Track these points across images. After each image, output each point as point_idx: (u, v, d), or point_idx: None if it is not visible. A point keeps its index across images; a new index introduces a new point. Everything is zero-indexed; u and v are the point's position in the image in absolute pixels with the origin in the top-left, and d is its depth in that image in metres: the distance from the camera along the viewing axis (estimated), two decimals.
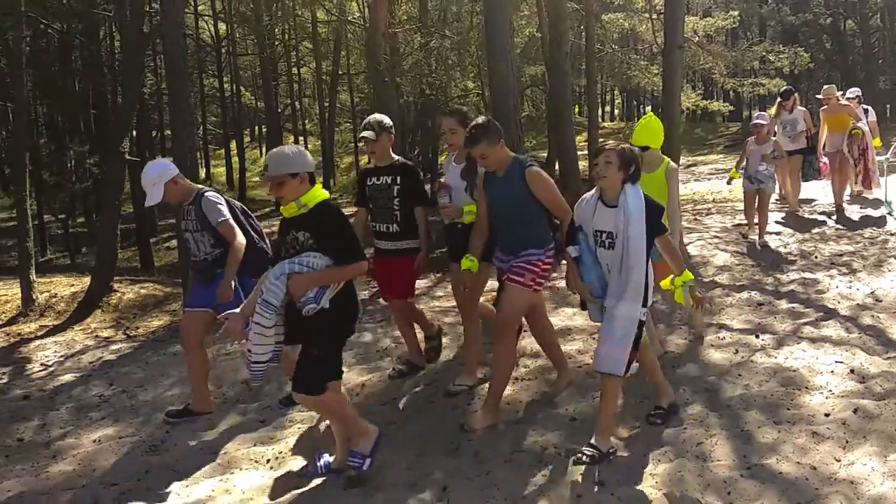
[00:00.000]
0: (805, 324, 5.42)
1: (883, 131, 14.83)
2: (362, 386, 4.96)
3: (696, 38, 14.34)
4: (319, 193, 3.40)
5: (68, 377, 5.58)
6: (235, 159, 29.99)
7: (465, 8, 13.56)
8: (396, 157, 4.75)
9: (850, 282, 6.35)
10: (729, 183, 9.33)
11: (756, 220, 7.79)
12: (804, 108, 9.34)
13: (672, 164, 4.76)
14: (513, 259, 4.06)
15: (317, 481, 3.66)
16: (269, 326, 3.33)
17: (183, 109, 6.75)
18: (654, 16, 13.78)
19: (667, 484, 3.37)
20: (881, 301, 5.74)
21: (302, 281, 3.28)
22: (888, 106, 25.82)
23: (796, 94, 9.42)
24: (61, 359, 6.09)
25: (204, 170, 34.59)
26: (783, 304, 5.92)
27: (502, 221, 4.09)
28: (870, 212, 8.88)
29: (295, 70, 31.06)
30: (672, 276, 3.75)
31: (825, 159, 9.11)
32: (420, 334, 5.16)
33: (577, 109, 29.55)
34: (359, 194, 4.91)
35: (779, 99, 9.36)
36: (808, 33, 24.75)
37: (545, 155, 17.22)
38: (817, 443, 3.64)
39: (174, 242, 15.11)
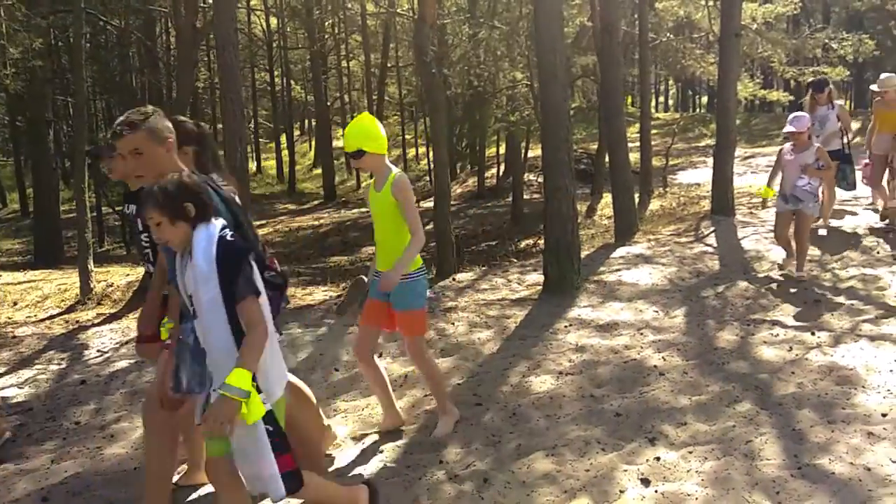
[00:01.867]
0: (864, 321, 5.21)
1: None
2: (405, 377, 4.98)
3: (755, 26, 13.87)
4: None
5: (123, 363, 5.76)
6: (285, 152, 30.48)
7: None
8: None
9: None
10: (763, 206, 8.06)
11: (794, 248, 6.39)
12: (840, 103, 8.16)
13: (401, 175, 3.77)
14: None
15: (355, 474, 3.69)
16: None
17: (234, 103, 6.88)
18: (711, 2, 13.39)
19: (713, 482, 3.28)
20: None
21: None
22: None
23: (832, 86, 8.21)
24: (116, 345, 6.30)
25: (255, 163, 35.28)
26: (841, 301, 5.71)
27: None
28: None
29: (344, 63, 31.36)
30: None
31: (867, 160, 8.02)
32: None
33: (629, 100, 29.02)
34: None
35: (810, 91, 8.13)
36: (875, 19, 23.72)
37: (595, 146, 16.97)
38: (872, 443, 3.50)
39: None
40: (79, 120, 9.18)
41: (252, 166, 35.23)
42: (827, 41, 15.20)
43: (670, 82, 42.21)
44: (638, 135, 14.40)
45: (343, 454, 3.89)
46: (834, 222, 8.10)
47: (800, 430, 3.69)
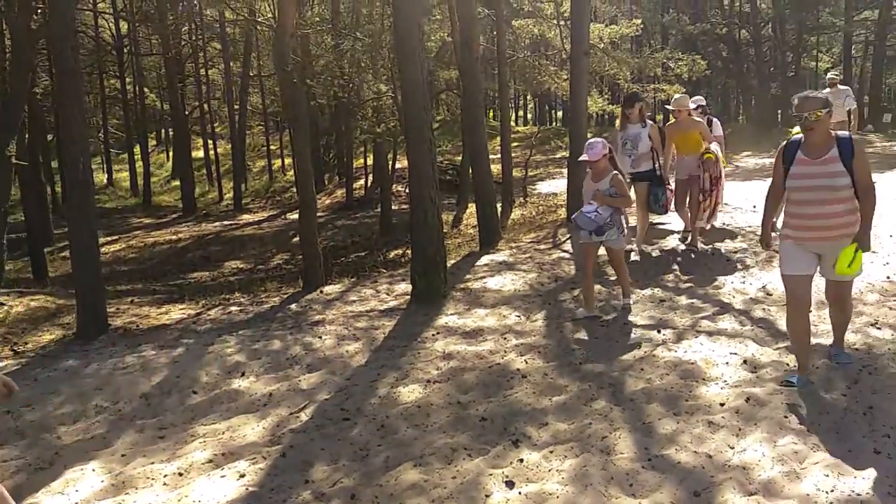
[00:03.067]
0: (702, 318, 5.66)
1: (774, 136, 15.49)
2: (269, 396, 4.81)
3: (602, 45, 14.82)
4: None
5: None
6: (140, 163, 28.69)
7: (376, 10, 13.49)
8: None
9: (744, 277, 6.68)
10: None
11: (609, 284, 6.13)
12: (652, 122, 7.68)
13: None
14: None
15: (219, 495, 3.51)
16: None
17: (74, 112, 6.35)
18: (562, 23, 14.13)
19: (572, 479, 3.42)
20: (771, 295, 6.06)
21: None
22: (779, 111, 27.50)
23: (643, 102, 7.87)
24: None
25: (106, 175, 32.91)
26: (683, 300, 6.17)
27: None
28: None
29: (203, 71, 30.03)
30: None
31: (673, 187, 7.68)
32: None
33: (490, 114, 29.94)
34: None
35: (621, 107, 7.76)
36: (706, 42, 26.07)
37: (460, 158, 17.35)
38: (713, 432, 3.79)
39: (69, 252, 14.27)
40: None
41: (103, 178, 32.85)
42: (665, 60, 16.53)
43: (528, 97, 44.06)
44: (499, 147, 14.92)
45: (202, 483, 3.68)
46: (678, 226, 8.72)
47: (650, 424, 3.93)
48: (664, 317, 5.79)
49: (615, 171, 5.76)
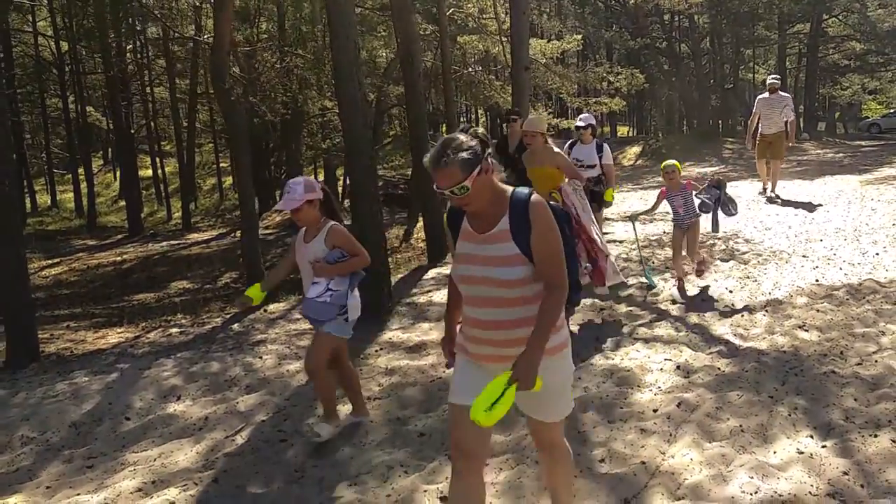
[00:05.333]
0: (639, 325, 5.76)
1: (710, 146, 15.68)
2: (206, 419, 4.71)
3: (544, 60, 15.09)
4: None
5: None
6: (85, 184, 27.94)
7: (318, 27, 13.49)
8: None
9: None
10: None
11: None
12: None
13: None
14: None
15: None
16: None
17: None
18: (505, 39, 14.34)
19: (505, 492, 3.43)
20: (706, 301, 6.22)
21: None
22: (720, 121, 28.40)
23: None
24: None
25: (49, 196, 31.95)
26: (622, 308, 6.28)
27: None
28: None
29: (149, 89, 29.50)
30: None
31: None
32: None
33: (443, 128, 30.13)
34: None
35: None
36: (648, 55, 26.81)
37: (410, 172, 17.35)
38: (645, 438, 3.85)
39: None
40: None
41: (46, 200, 31.90)
42: (605, 74, 16.93)
43: (480, 111, 44.45)
44: None
45: None
46: (623, 235, 8.89)
47: (584, 433, 3.98)
48: (603, 324, 5.88)
49: (331, 223, 4.11)
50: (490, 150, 2.52)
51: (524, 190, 2.52)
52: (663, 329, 5.62)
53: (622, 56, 26.27)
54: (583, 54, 28.95)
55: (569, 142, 7.59)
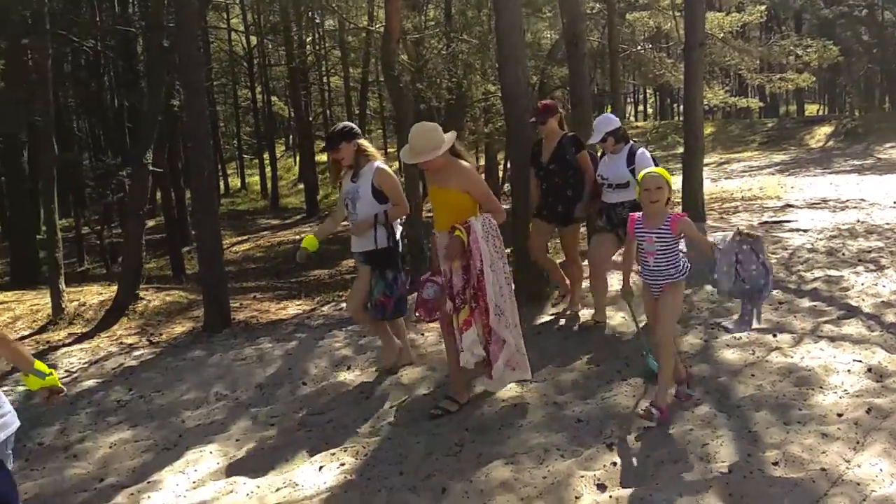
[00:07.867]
0: (825, 322, 5.27)
1: None
2: (372, 389, 4.98)
3: (722, 35, 14.09)
4: None
5: (90, 383, 5.73)
6: (269, 168, 30.48)
7: (483, 12, 13.58)
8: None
9: (877, 278, 6.16)
10: None
11: None
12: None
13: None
14: None
15: (314, 489, 3.70)
16: None
17: (198, 123, 6.88)
18: (678, 14, 13.61)
19: (668, 486, 3.31)
20: None
21: None
22: None
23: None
24: (85, 365, 6.26)
25: (240, 179, 35.16)
26: (805, 303, 5.78)
27: None
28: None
29: (325, 79, 31.46)
30: None
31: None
32: None
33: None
34: None
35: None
36: (844, 25, 24.13)
37: None
38: (827, 443, 3.54)
39: None
40: (45, 141, 9.11)
41: (237, 182, 35.20)
42: (792, 48, 15.46)
43: (649, 91, 42.61)
44: None
45: (305, 469, 3.89)
46: (807, 224, 8.17)
47: (755, 433, 3.73)
48: (782, 320, 5.45)
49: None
50: None
51: None
52: (853, 327, 5.09)
53: (813, 27, 23.87)
54: (766, 26, 26.69)
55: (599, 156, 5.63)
